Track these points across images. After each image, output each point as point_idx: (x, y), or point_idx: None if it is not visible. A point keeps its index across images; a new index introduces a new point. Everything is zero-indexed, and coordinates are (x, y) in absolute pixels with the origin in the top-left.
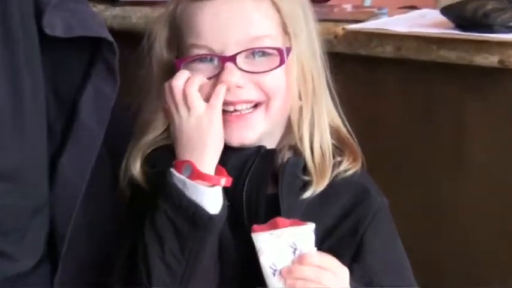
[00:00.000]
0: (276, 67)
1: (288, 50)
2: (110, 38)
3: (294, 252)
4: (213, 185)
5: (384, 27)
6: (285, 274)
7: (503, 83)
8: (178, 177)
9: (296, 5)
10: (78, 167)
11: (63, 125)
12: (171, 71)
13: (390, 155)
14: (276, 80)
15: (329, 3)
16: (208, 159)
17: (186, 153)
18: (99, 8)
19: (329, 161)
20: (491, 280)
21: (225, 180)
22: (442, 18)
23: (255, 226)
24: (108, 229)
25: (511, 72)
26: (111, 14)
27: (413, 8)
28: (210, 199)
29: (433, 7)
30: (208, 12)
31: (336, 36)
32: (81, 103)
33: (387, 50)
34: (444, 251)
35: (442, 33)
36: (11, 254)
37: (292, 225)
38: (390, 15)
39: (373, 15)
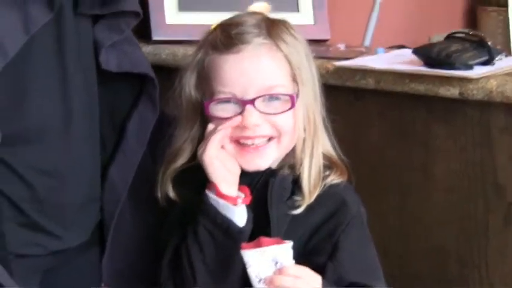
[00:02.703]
0: (288, 109)
1: (297, 95)
2: (152, 75)
3: (275, 265)
4: (236, 204)
5: (366, 65)
6: (267, 283)
7: (463, 111)
8: (213, 197)
9: (303, 57)
10: (123, 175)
11: (114, 141)
12: (197, 108)
13: (372, 168)
14: (287, 119)
15: (328, 42)
16: (224, 184)
17: (210, 177)
18: None
19: (319, 179)
20: (452, 273)
21: (241, 200)
22: (415, 57)
23: (243, 244)
24: (150, 224)
25: (469, 102)
26: (145, 51)
27: (401, 47)
28: (238, 215)
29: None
30: (233, 64)
31: (327, 71)
32: (129, 126)
33: (369, 83)
34: (413, 248)
35: (412, 70)
36: (56, 233)
37: (274, 243)
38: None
39: (361, 54)
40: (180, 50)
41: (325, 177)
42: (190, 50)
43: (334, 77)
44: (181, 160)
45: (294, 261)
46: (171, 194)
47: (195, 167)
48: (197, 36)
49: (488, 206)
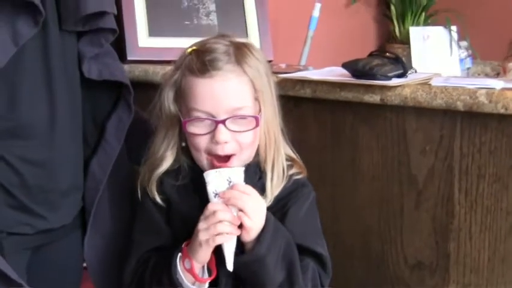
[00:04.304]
0: (253, 128)
1: (260, 115)
2: (128, 82)
3: (229, 184)
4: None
5: (305, 76)
6: (221, 196)
7: (383, 115)
8: (180, 272)
9: (264, 78)
10: (102, 166)
11: (95, 138)
12: (175, 119)
13: (309, 164)
14: (250, 136)
15: (272, 62)
16: (198, 264)
17: (190, 250)
18: None
19: (281, 182)
20: (375, 249)
21: (207, 284)
22: (344, 70)
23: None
24: (126, 211)
25: (388, 107)
26: None
27: None
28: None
29: None
30: (206, 87)
31: None
32: (108, 125)
33: (307, 92)
34: (345, 230)
35: (342, 79)
36: (43, 215)
37: (229, 167)
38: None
39: (299, 70)
40: (151, 68)
41: (288, 168)
42: (159, 68)
43: (278, 88)
44: (165, 166)
45: (244, 183)
46: (152, 196)
47: (173, 175)
48: (164, 56)
49: (403, 192)
